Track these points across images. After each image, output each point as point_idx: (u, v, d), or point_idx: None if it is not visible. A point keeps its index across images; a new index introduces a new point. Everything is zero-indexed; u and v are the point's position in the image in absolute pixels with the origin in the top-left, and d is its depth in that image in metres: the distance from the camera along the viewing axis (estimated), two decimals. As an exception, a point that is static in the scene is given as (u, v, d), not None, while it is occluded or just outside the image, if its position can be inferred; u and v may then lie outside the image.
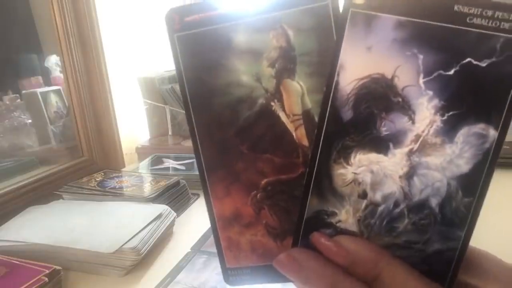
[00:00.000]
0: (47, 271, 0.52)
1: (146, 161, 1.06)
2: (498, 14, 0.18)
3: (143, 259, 0.61)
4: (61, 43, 0.97)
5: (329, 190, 0.21)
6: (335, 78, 0.20)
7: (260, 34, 0.22)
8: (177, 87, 1.22)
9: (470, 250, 0.22)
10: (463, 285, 0.21)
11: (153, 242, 0.63)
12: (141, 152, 1.19)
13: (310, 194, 0.21)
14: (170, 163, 1.03)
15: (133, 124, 1.25)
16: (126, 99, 1.21)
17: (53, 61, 1.03)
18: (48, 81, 1.04)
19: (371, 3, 0.19)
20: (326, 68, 0.20)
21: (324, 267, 0.21)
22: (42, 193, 0.86)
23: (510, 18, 0.18)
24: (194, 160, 0.98)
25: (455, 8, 0.18)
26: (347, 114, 0.20)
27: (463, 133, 0.20)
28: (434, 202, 0.21)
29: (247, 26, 0.22)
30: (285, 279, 0.22)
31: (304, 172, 0.22)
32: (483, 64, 0.19)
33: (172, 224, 0.71)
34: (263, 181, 0.23)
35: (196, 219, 0.78)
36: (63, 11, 0.95)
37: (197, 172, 0.90)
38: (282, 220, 0.24)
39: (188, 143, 1.20)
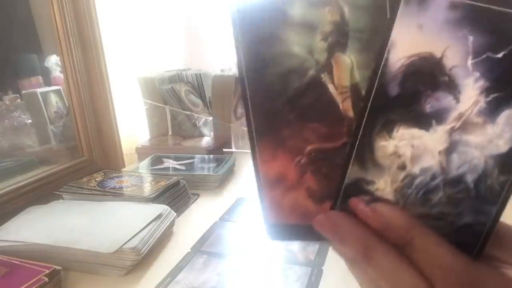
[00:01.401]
0: (47, 271, 0.52)
1: (146, 161, 1.06)
2: None
3: (143, 259, 0.61)
4: (61, 43, 0.97)
5: (369, 160, 0.22)
6: (385, 55, 0.21)
7: (316, 9, 0.23)
8: (176, 87, 1.22)
9: (503, 226, 0.23)
10: (492, 258, 0.22)
11: (153, 242, 0.63)
12: (141, 152, 1.19)
13: (351, 162, 0.23)
14: (170, 163, 1.03)
15: (133, 124, 1.25)
16: (126, 99, 1.21)
17: (53, 61, 1.03)
18: (48, 81, 1.04)
19: None
20: (376, 44, 0.21)
21: (359, 230, 0.22)
22: (42, 193, 0.86)
23: None
24: (194, 160, 0.98)
25: None
26: (394, 89, 0.21)
27: (505, 115, 0.20)
28: (470, 178, 0.21)
29: (303, 1, 0.23)
30: (321, 238, 0.24)
31: (347, 142, 0.23)
32: None
33: (172, 224, 0.71)
34: (308, 148, 0.24)
35: (196, 219, 0.78)
36: (63, 11, 0.95)
37: (197, 172, 0.90)
38: (323, 184, 0.25)
39: (188, 143, 1.21)
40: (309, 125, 0.24)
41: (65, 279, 0.57)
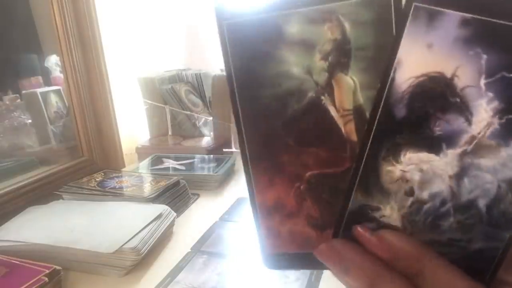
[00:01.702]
0: (47, 271, 0.52)
1: (146, 161, 1.06)
2: None
3: (143, 259, 0.61)
4: (61, 43, 0.97)
5: (375, 186, 0.21)
6: (391, 74, 0.20)
7: (314, 25, 0.21)
8: (176, 87, 1.22)
9: None
10: (498, 281, 0.21)
11: (153, 242, 0.63)
12: (141, 152, 1.19)
13: (355, 188, 0.21)
14: (170, 163, 1.03)
15: (133, 124, 1.25)
16: (126, 99, 1.21)
17: (53, 61, 1.03)
18: (48, 81, 1.04)
19: None
20: (382, 63, 0.20)
21: (364, 259, 0.21)
22: (42, 193, 0.86)
23: None
24: (194, 160, 0.98)
25: None
26: (401, 112, 0.20)
27: None
28: (482, 203, 0.20)
29: (300, 16, 0.21)
30: (322, 267, 0.22)
31: (350, 166, 0.22)
32: None
33: (172, 224, 0.71)
34: (308, 174, 0.23)
35: (196, 219, 0.78)
36: (63, 11, 0.95)
37: (197, 172, 0.90)
38: (324, 212, 0.24)
39: (188, 143, 1.21)
40: (309, 150, 0.23)
41: (65, 279, 0.57)
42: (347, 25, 0.21)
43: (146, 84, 1.24)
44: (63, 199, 0.82)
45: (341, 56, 0.21)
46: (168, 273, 0.58)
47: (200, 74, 1.29)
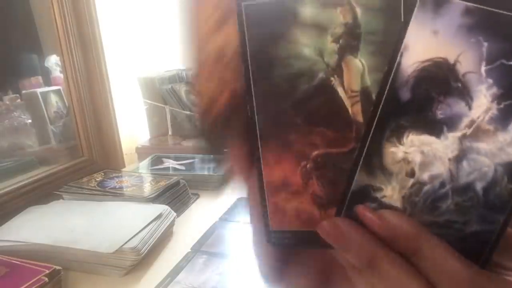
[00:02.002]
0: (47, 271, 0.52)
1: (146, 161, 1.06)
2: None
3: (143, 259, 0.61)
4: (61, 43, 0.97)
5: (378, 167, 0.22)
6: (398, 58, 0.20)
7: (327, 9, 0.22)
8: (176, 87, 1.22)
9: (509, 234, 0.22)
10: (500, 267, 0.22)
11: (153, 242, 0.63)
12: (141, 152, 1.19)
13: (359, 168, 0.22)
14: (170, 163, 1.03)
15: (133, 124, 1.25)
16: (126, 99, 1.21)
17: (53, 61, 1.03)
18: (48, 81, 1.04)
19: None
20: (389, 48, 0.21)
21: (365, 237, 0.22)
22: (42, 193, 0.86)
23: None
24: (194, 160, 0.98)
25: None
26: (405, 95, 0.21)
27: None
28: (479, 186, 0.21)
29: (314, 0, 0.22)
30: (325, 246, 0.23)
31: (355, 147, 0.23)
32: None
33: (172, 224, 0.71)
34: (314, 153, 0.24)
35: (196, 219, 0.78)
36: (63, 11, 0.95)
37: (197, 172, 0.90)
38: (328, 190, 0.24)
39: (188, 143, 1.21)
40: (316, 129, 0.23)
41: (65, 279, 0.57)
42: (358, 10, 0.22)
43: (146, 84, 1.24)
44: (63, 199, 0.82)
45: (351, 40, 0.22)
46: (168, 273, 0.58)
47: (200, 74, 1.29)
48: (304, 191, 0.24)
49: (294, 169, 0.24)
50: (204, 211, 0.82)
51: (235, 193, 0.89)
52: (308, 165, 0.24)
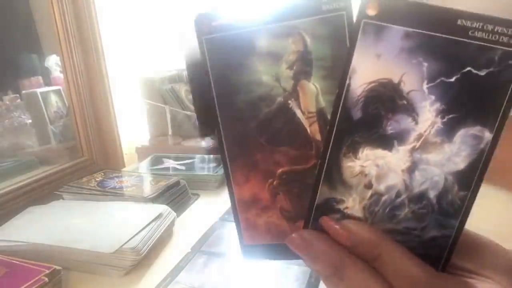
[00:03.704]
0: (47, 271, 0.52)
1: (146, 161, 1.06)
2: (498, 28, 0.20)
3: (143, 259, 0.61)
4: (61, 43, 0.97)
5: (338, 180, 0.24)
6: (347, 81, 0.22)
7: (280, 39, 0.24)
8: (176, 87, 1.22)
9: (470, 236, 0.24)
10: (459, 269, 0.23)
11: (153, 242, 0.63)
12: (141, 152, 1.19)
13: (321, 183, 0.24)
14: (170, 163, 1.03)
15: (133, 124, 1.25)
16: (126, 99, 1.21)
17: (53, 61, 1.03)
18: (48, 81, 1.04)
19: (382, 15, 0.21)
20: (339, 71, 0.22)
21: (330, 247, 0.23)
22: (42, 193, 0.86)
23: (508, 33, 0.20)
24: (194, 160, 0.98)
25: (459, 22, 0.21)
26: (357, 113, 0.22)
27: (461, 134, 0.22)
28: (432, 194, 0.23)
29: (268, 32, 0.24)
30: (295, 257, 0.24)
31: (316, 163, 0.24)
32: (482, 73, 0.21)
33: (172, 224, 0.71)
34: (279, 170, 0.26)
35: (196, 219, 0.78)
36: (63, 11, 0.95)
37: (197, 172, 0.90)
38: (295, 204, 0.26)
39: (188, 143, 1.21)
40: (279, 149, 0.26)
41: (65, 279, 0.57)
42: (308, 39, 0.24)
43: (146, 84, 1.24)
44: (63, 199, 0.82)
45: (304, 65, 0.24)
46: (168, 273, 0.58)
47: (200, 74, 1.29)
48: (272, 206, 0.27)
49: (262, 186, 0.26)
50: (204, 211, 0.82)
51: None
52: (274, 182, 0.26)
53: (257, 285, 0.56)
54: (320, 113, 0.25)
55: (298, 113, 0.25)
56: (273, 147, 0.26)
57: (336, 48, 0.24)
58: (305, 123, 0.25)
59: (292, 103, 0.25)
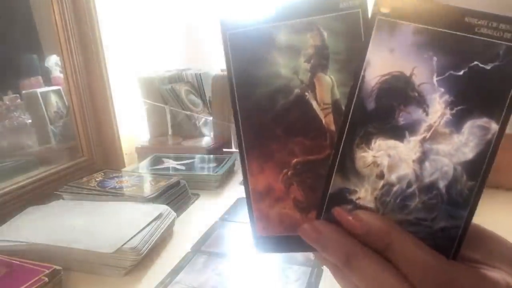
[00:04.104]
0: (47, 271, 0.52)
1: (146, 161, 1.06)
2: (502, 25, 0.22)
3: (143, 259, 0.61)
4: (61, 43, 0.97)
5: (351, 170, 0.24)
6: (362, 73, 0.23)
7: (299, 34, 0.26)
8: (176, 87, 1.22)
9: (477, 228, 0.25)
10: (467, 260, 0.24)
11: (153, 242, 0.63)
12: (141, 152, 1.19)
13: (334, 173, 0.25)
14: (170, 163, 1.03)
15: (133, 124, 1.25)
16: (126, 99, 1.21)
17: (53, 61, 1.03)
18: (48, 81, 1.04)
19: (395, 12, 0.23)
20: (353, 65, 0.24)
21: (342, 237, 0.24)
22: (42, 193, 0.86)
23: (511, 29, 0.22)
24: (194, 160, 0.98)
25: (466, 19, 0.22)
26: (370, 105, 0.24)
27: (469, 125, 0.23)
28: (441, 184, 0.23)
29: (288, 27, 0.26)
30: (307, 249, 0.25)
31: (330, 153, 0.25)
32: (488, 67, 0.22)
33: (172, 224, 0.71)
34: (294, 161, 0.27)
35: (196, 219, 0.78)
36: (63, 11, 0.95)
37: (197, 172, 0.91)
38: (308, 195, 0.27)
39: (188, 143, 1.21)
40: (295, 139, 0.27)
41: (65, 279, 0.57)
42: (325, 34, 0.25)
43: (146, 84, 1.24)
44: (63, 199, 0.82)
45: (321, 59, 0.26)
46: (168, 273, 0.58)
47: (200, 74, 1.29)
48: (286, 197, 0.27)
49: (276, 176, 0.27)
50: (204, 211, 0.82)
51: (235, 193, 0.89)
52: (289, 172, 0.27)
53: (257, 285, 0.56)
54: (335, 104, 0.26)
55: (314, 105, 0.26)
56: (289, 137, 0.26)
57: (351, 43, 0.25)
58: (321, 114, 0.26)
59: (308, 95, 0.26)
